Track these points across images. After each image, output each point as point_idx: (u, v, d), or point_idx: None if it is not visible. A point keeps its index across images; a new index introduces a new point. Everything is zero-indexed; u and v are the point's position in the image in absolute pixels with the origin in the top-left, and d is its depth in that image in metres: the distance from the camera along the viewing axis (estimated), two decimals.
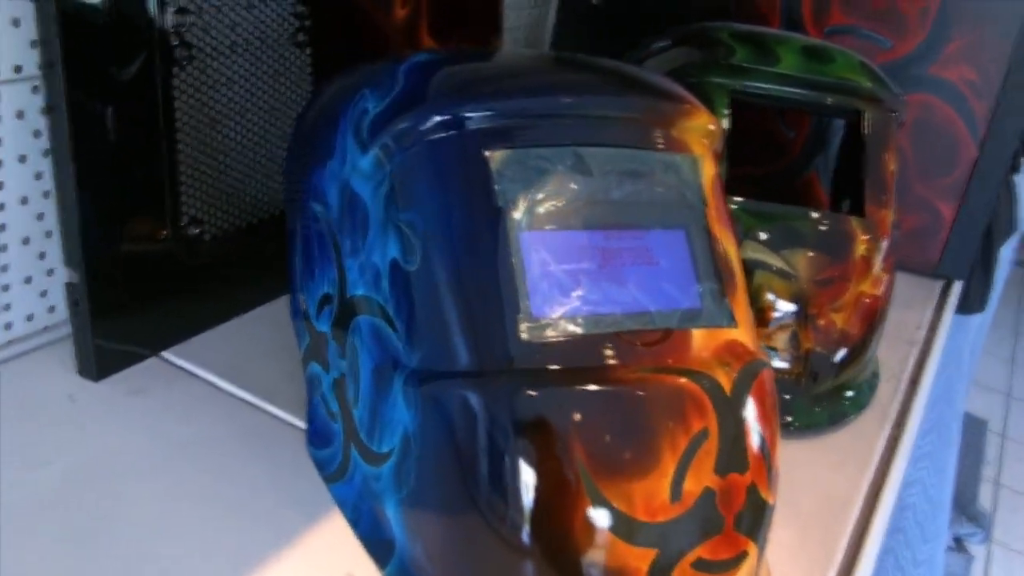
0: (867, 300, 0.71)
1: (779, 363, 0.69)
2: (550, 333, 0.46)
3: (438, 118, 0.49)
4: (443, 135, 0.49)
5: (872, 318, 0.72)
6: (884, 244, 0.72)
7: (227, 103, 0.66)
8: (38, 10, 0.54)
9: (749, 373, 0.49)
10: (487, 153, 0.49)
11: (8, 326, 0.64)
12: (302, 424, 0.61)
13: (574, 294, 0.48)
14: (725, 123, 0.72)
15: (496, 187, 0.48)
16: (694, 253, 0.51)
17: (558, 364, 0.46)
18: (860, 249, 0.70)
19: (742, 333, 0.50)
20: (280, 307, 0.73)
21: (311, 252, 0.58)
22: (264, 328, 0.70)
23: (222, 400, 0.63)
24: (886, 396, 0.75)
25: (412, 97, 0.50)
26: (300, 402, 0.61)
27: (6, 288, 0.63)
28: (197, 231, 0.66)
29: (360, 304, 0.53)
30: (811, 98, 0.74)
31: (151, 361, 0.65)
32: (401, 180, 0.50)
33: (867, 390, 0.75)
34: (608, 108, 0.52)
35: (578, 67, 0.55)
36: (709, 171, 0.54)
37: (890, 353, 0.80)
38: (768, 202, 0.71)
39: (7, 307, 0.63)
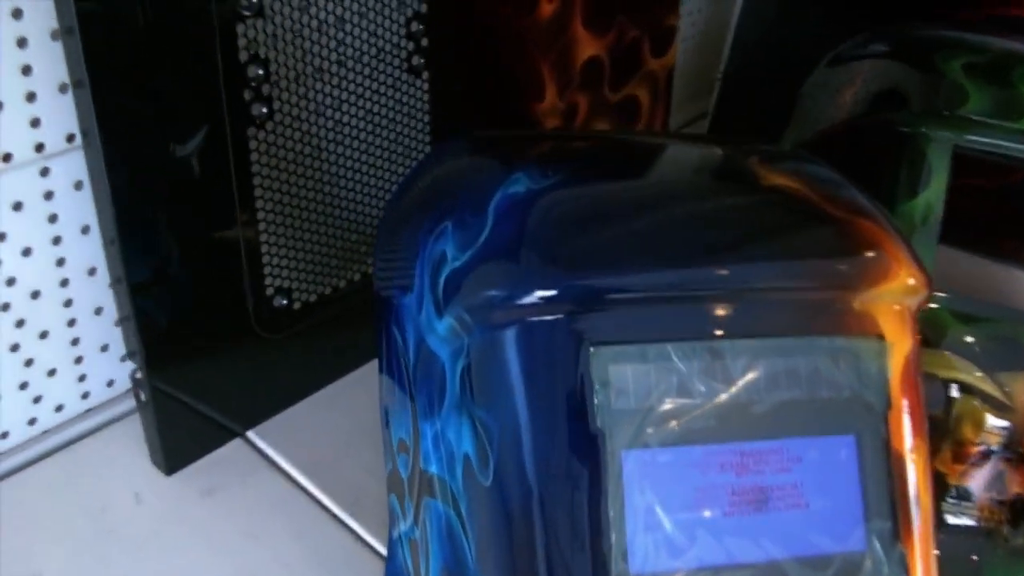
0: None
1: (970, 514, 0.55)
2: None
3: (526, 298, 0.37)
4: (532, 319, 0.37)
5: None
6: None
7: (320, 156, 0.56)
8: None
9: None
10: (590, 350, 0.37)
11: (85, 395, 0.58)
12: (383, 549, 0.53)
13: (688, 554, 0.36)
14: (942, 184, 0.55)
15: (596, 400, 0.36)
16: (863, 478, 0.38)
17: None
18: None
19: None
20: (371, 373, 0.65)
21: (392, 370, 0.49)
22: (353, 403, 0.62)
23: (301, 506, 0.55)
24: None
25: (498, 256, 0.38)
26: (384, 517, 0.53)
27: (79, 360, 0.57)
28: (284, 302, 0.57)
29: (434, 484, 0.43)
30: None
31: (230, 444, 0.58)
32: (479, 364, 0.38)
33: None
34: (767, 279, 0.38)
35: (726, 198, 0.41)
36: (901, 355, 0.39)
37: None
38: (987, 301, 0.55)
39: (82, 377, 0.57)
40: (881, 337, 0.39)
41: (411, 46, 0.58)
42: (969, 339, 0.54)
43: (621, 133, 0.47)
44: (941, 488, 0.54)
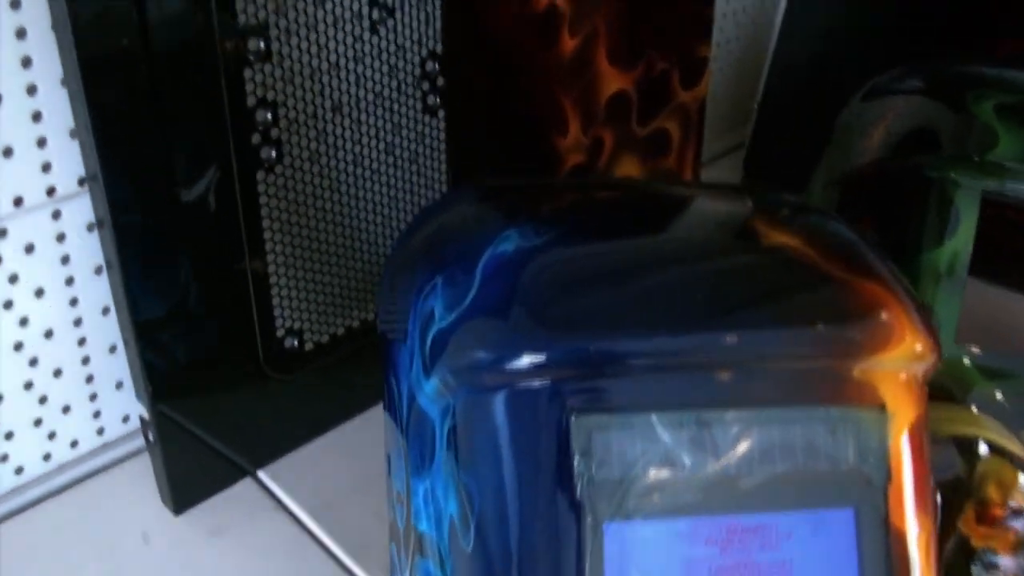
0: None
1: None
2: None
3: (509, 363, 0.36)
4: (517, 386, 0.36)
5: None
6: None
7: (332, 197, 0.56)
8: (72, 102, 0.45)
9: None
10: (572, 418, 0.36)
11: (100, 431, 0.59)
12: None
13: None
14: (970, 231, 0.53)
15: (577, 470, 0.35)
16: (860, 557, 0.37)
17: None
18: None
19: None
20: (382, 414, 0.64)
21: (392, 416, 0.48)
22: (364, 443, 0.61)
23: (307, 549, 0.55)
24: None
25: (483, 319, 0.37)
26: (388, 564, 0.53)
27: (94, 397, 0.57)
28: (295, 343, 0.57)
29: (424, 542, 0.42)
30: None
31: (239, 483, 0.59)
32: (463, 427, 0.38)
33: None
34: (760, 347, 0.37)
35: (723, 259, 0.39)
36: (904, 425, 0.38)
37: None
38: (1015, 355, 0.53)
39: (97, 414, 0.58)
40: (882, 407, 0.37)
41: (426, 85, 0.58)
42: (997, 395, 0.52)
43: (629, 183, 0.46)
44: (967, 553, 0.52)
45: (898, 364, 0.38)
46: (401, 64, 0.56)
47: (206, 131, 0.48)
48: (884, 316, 0.38)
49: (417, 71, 0.57)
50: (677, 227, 0.41)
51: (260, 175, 0.52)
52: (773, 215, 0.42)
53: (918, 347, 0.38)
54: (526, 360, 0.36)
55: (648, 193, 0.46)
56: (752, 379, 0.36)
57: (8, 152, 0.47)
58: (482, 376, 0.37)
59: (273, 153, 0.52)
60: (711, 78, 0.90)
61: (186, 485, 0.56)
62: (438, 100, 0.59)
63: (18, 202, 0.49)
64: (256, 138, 0.51)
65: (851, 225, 0.44)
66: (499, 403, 0.36)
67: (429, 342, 0.39)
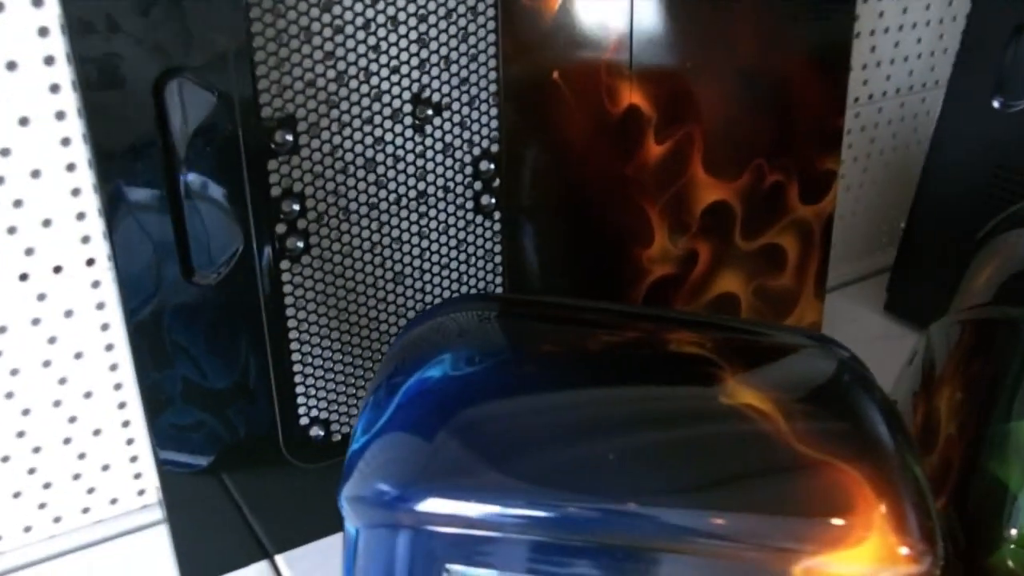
0: None
1: None
2: None
3: (397, 503, 0.33)
4: (399, 526, 0.33)
5: None
6: None
7: (365, 292, 0.55)
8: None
9: None
10: (445, 569, 0.32)
11: (141, 492, 0.61)
12: None
13: None
14: None
15: None
16: None
17: None
18: None
19: None
20: None
21: None
22: None
23: None
24: None
25: (381, 449, 0.35)
26: None
27: (134, 459, 0.59)
28: (321, 433, 0.56)
29: None
30: None
31: (254, 566, 0.58)
32: (359, 557, 0.35)
33: None
34: (673, 528, 0.32)
35: (658, 424, 0.34)
36: None
37: None
38: None
39: (138, 475, 0.60)
40: None
41: (479, 185, 0.56)
42: None
43: (648, 317, 0.41)
44: None
45: (859, 568, 0.32)
46: (449, 163, 0.55)
47: (227, 217, 0.49)
48: (841, 507, 0.32)
49: (468, 170, 0.56)
50: (632, 383, 0.37)
51: (285, 264, 0.52)
52: (755, 363, 0.37)
53: (891, 550, 0.32)
54: (409, 505, 0.33)
55: (639, 336, 0.41)
56: (658, 566, 0.31)
57: (47, 223, 0.50)
58: (371, 511, 0.34)
59: (300, 243, 0.52)
60: (847, 194, 0.83)
61: (195, 560, 0.56)
62: (493, 201, 0.57)
63: (57, 270, 0.51)
64: (281, 228, 0.51)
65: (867, 386, 0.38)
66: (382, 539, 0.34)
67: (346, 462, 0.37)
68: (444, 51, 0.52)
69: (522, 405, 0.35)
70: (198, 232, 0.49)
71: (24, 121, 0.47)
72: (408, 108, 0.52)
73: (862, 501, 0.32)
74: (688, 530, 0.31)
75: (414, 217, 0.55)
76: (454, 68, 0.53)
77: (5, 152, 0.47)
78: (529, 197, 0.58)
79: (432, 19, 0.51)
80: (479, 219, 0.57)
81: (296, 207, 0.51)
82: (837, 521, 0.31)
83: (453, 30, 0.52)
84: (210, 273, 0.50)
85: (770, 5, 0.63)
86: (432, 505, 0.32)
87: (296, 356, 0.54)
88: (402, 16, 0.51)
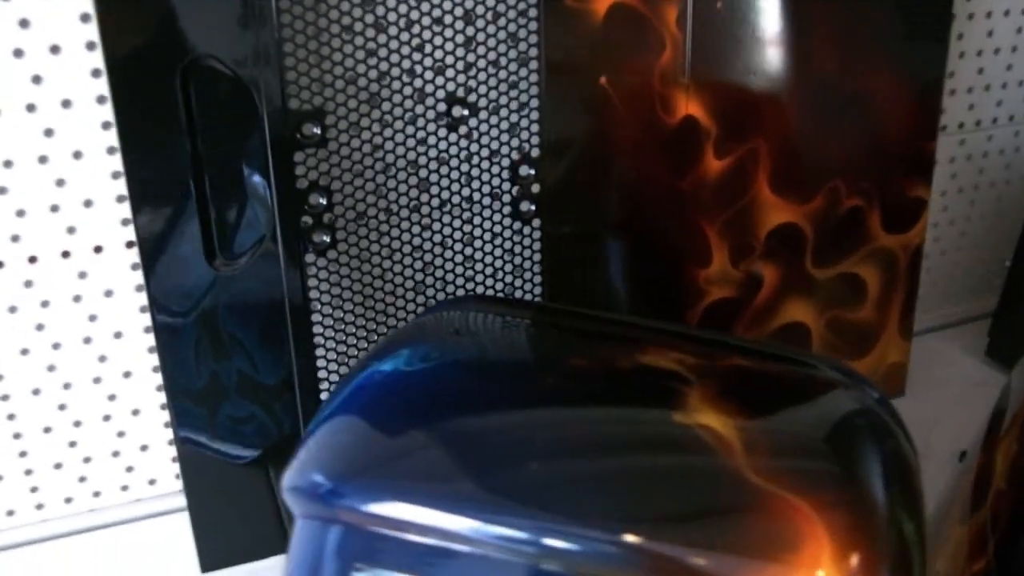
0: None
1: None
2: None
3: (320, 497, 0.32)
4: (319, 517, 0.32)
5: None
6: None
7: (394, 291, 0.54)
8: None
9: None
10: (354, 567, 0.31)
11: (179, 476, 0.62)
12: None
13: None
14: None
15: None
16: None
17: None
18: None
19: None
20: None
21: None
22: None
23: None
24: None
25: (324, 438, 0.34)
26: None
27: (171, 442, 0.61)
28: None
29: None
30: None
31: (275, 559, 0.58)
32: (291, 546, 0.34)
33: None
34: (596, 548, 0.29)
35: (601, 441, 0.32)
36: None
37: None
38: None
39: (175, 458, 0.61)
40: None
41: (516, 191, 0.55)
42: None
43: (596, 323, 0.39)
44: None
45: None
46: (486, 165, 0.54)
47: (248, 206, 0.49)
48: (784, 544, 0.29)
49: (506, 174, 0.54)
50: (583, 393, 0.34)
51: (310, 257, 0.52)
52: (726, 379, 0.34)
53: None
54: (334, 502, 0.32)
55: (613, 347, 0.38)
56: None
57: (89, 203, 0.52)
58: (301, 502, 0.33)
59: (326, 238, 0.52)
60: (951, 228, 0.77)
61: (215, 548, 0.56)
62: (533, 208, 0.56)
63: (98, 250, 0.53)
64: (307, 220, 0.51)
65: (880, 433, 0.34)
66: (307, 531, 0.33)
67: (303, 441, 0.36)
68: (492, 55, 0.51)
69: (462, 407, 0.33)
70: (222, 218, 0.50)
71: (67, 104, 0.49)
72: (443, 108, 0.51)
73: (811, 541, 0.29)
74: (609, 556, 0.29)
75: (447, 220, 0.54)
76: (492, 69, 0.52)
77: (49, 132, 0.49)
78: (573, 206, 0.56)
79: (480, 23, 0.51)
80: (517, 225, 0.56)
81: (323, 200, 0.51)
82: (774, 558, 0.28)
83: (493, 30, 0.51)
84: (231, 260, 0.50)
85: (853, 11, 0.59)
86: (359, 501, 0.31)
87: (319, 351, 0.54)
88: (447, 19, 0.50)
